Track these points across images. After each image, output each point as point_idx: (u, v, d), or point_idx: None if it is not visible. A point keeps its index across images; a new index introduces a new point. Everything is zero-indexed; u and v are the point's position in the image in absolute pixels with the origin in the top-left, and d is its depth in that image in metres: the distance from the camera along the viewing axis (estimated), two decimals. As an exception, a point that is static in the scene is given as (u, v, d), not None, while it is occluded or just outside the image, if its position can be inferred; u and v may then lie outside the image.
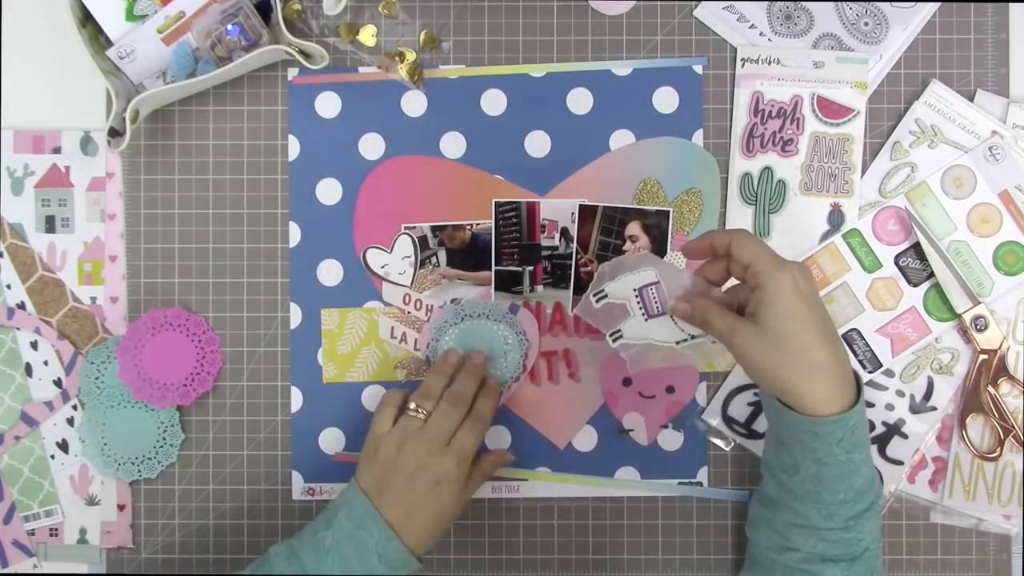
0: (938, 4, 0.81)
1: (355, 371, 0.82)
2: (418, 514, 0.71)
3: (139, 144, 0.82)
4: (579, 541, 0.82)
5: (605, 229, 0.81)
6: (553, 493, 0.82)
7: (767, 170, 0.81)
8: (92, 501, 0.83)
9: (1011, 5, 0.82)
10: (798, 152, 0.81)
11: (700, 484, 0.82)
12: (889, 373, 0.80)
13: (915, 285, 0.80)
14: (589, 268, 0.81)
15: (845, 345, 0.68)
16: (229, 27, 0.77)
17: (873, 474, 0.69)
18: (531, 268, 0.81)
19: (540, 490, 0.82)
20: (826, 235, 0.81)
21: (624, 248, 0.81)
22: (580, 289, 0.81)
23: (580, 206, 0.81)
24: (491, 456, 0.79)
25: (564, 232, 0.81)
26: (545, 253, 0.81)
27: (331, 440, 0.82)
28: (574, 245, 0.81)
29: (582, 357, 0.81)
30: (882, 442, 0.81)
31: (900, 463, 0.80)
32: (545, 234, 0.81)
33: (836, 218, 0.81)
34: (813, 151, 0.81)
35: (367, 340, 0.82)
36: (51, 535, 0.83)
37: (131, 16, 0.77)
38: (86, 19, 0.77)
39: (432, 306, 0.81)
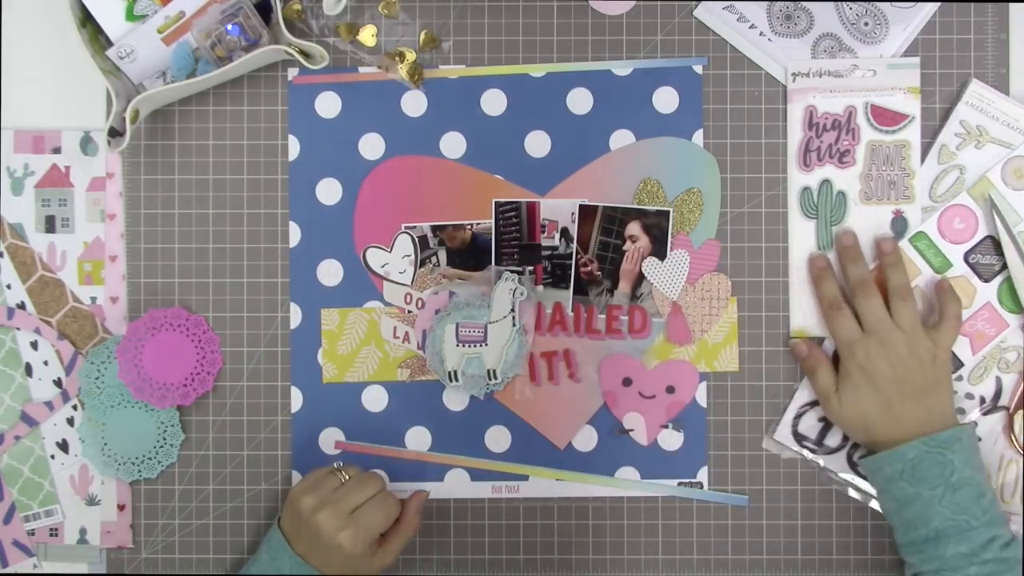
0: (938, 4, 0.81)
1: (355, 371, 0.82)
2: (328, 564, 0.73)
3: (139, 144, 0.82)
4: (579, 541, 0.82)
5: (605, 229, 0.81)
6: (553, 493, 0.82)
7: (826, 183, 0.81)
8: (92, 501, 0.83)
9: (1011, 5, 0.82)
10: (855, 162, 0.81)
11: (700, 484, 0.82)
12: (958, 376, 0.80)
13: (987, 281, 0.80)
14: (589, 268, 0.81)
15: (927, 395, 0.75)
16: (229, 27, 0.77)
17: (974, 523, 0.71)
18: (531, 268, 0.81)
19: (540, 490, 0.82)
20: None
21: (624, 248, 0.81)
22: (580, 289, 0.81)
23: (580, 206, 0.81)
24: (411, 501, 0.78)
25: (564, 232, 0.81)
26: (545, 253, 0.81)
27: (331, 440, 0.82)
28: (574, 245, 0.81)
29: (582, 357, 0.81)
30: None
31: None
32: (545, 234, 0.81)
33: (899, 224, 0.80)
34: (871, 160, 0.80)
35: (367, 340, 0.82)
36: (51, 535, 0.83)
37: (131, 16, 0.77)
38: (86, 19, 0.77)
39: (423, 302, 0.81)
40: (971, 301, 0.80)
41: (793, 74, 0.81)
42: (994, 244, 0.79)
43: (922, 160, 0.81)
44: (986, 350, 0.80)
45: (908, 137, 0.80)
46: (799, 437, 0.81)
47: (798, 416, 0.81)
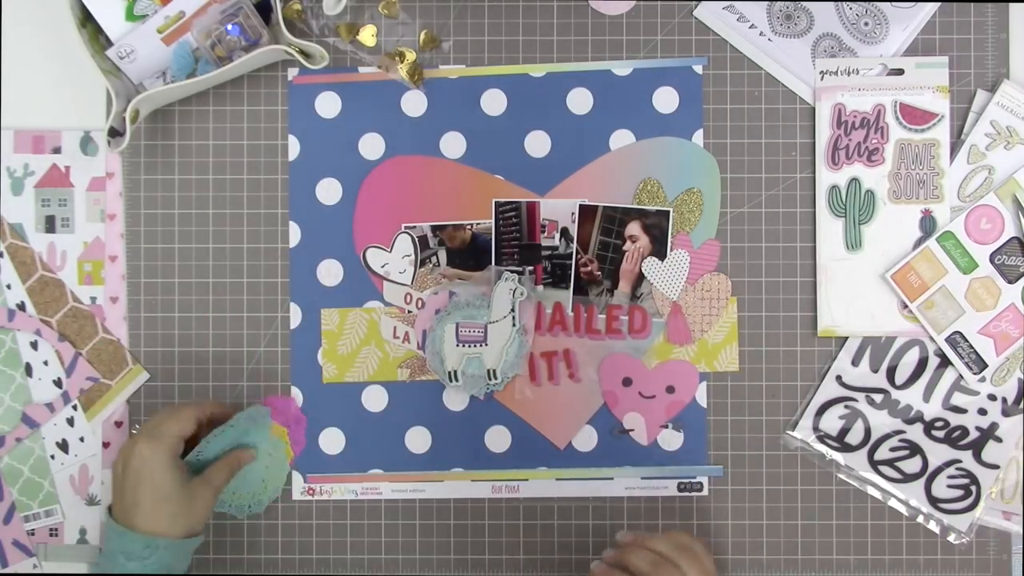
0: (938, 4, 0.81)
1: (355, 371, 0.82)
2: (139, 502, 0.70)
3: (139, 144, 0.82)
4: (579, 541, 0.82)
5: (605, 229, 0.81)
6: (553, 493, 0.82)
7: (854, 181, 0.80)
8: (92, 501, 0.83)
9: (1011, 5, 0.82)
10: (884, 161, 0.80)
11: (700, 485, 0.82)
12: (981, 378, 0.80)
13: (1012, 282, 0.80)
14: (589, 268, 0.81)
15: None
16: (229, 27, 0.77)
17: None
18: (531, 268, 0.81)
19: (540, 490, 0.82)
20: (919, 241, 0.80)
21: (624, 248, 0.81)
22: (580, 289, 0.81)
23: (580, 206, 0.81)
24: (235, 452, 0.77)
25: (564, 232, 0.81)
26: (545, 253, 0.81)
27: (331, 440, 0.82)
28: (574, 245, 0.81)
29: (582, 357, 0.81)
30: (977, 447, 0.80)
31: (996, 467, 0.80)
32: (545, 234, 0.81)
33: (928, 224, 0.80)
34: (899, 159, 0.80)
35: (367, 340, 0.82)
36: (51, 535, 0.83)
37: (131, 16, 0.77)
38: (86, 19, 0.77)
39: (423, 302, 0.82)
40: (996, 302, 0.80)
41: (821, 72, 0.80)
42: (1020, 245, 0.80)
43: (951, 160, 0.81)
44: (1010, 351, 0.80)
45: (937, 136, 0.80)
46: (820, 434, 0.81)
47: (819, 413, 0.81)
